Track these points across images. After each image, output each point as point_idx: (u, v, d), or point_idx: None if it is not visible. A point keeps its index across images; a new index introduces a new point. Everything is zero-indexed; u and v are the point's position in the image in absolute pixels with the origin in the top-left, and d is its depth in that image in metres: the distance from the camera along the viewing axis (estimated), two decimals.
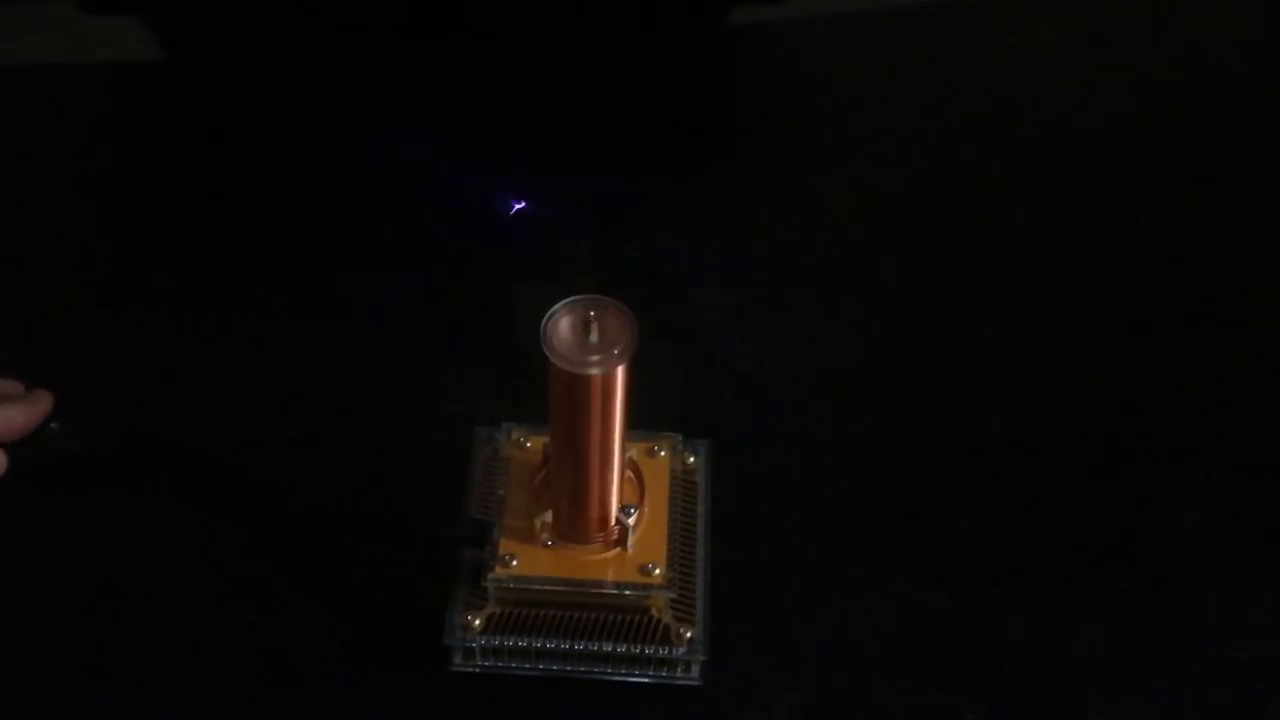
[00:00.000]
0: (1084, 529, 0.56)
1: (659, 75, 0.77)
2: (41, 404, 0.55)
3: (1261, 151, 0.74)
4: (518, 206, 0.53)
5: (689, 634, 0.50)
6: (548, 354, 0.45)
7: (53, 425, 0.56)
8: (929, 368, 0.62)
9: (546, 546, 0.51)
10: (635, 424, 0.50)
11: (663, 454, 0.54)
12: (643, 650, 0.50)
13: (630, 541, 0.51)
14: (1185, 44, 0.80)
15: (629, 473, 0.52)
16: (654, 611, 0.50)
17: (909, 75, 0.77)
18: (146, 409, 0.59)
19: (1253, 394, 0.62)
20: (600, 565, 0.50)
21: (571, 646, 0.50)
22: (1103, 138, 0.74)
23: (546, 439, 0.53)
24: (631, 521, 0.51)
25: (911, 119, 0.75)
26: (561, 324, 0.46)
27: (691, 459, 0.55)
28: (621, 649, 0.50)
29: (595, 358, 0.45)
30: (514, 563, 0.50)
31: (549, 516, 0.51)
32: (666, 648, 0.50)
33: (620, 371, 0.46)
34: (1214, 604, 0.54)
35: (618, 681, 0.51)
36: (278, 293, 0.65)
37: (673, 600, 0.50)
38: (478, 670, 0.51)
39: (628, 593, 0.50)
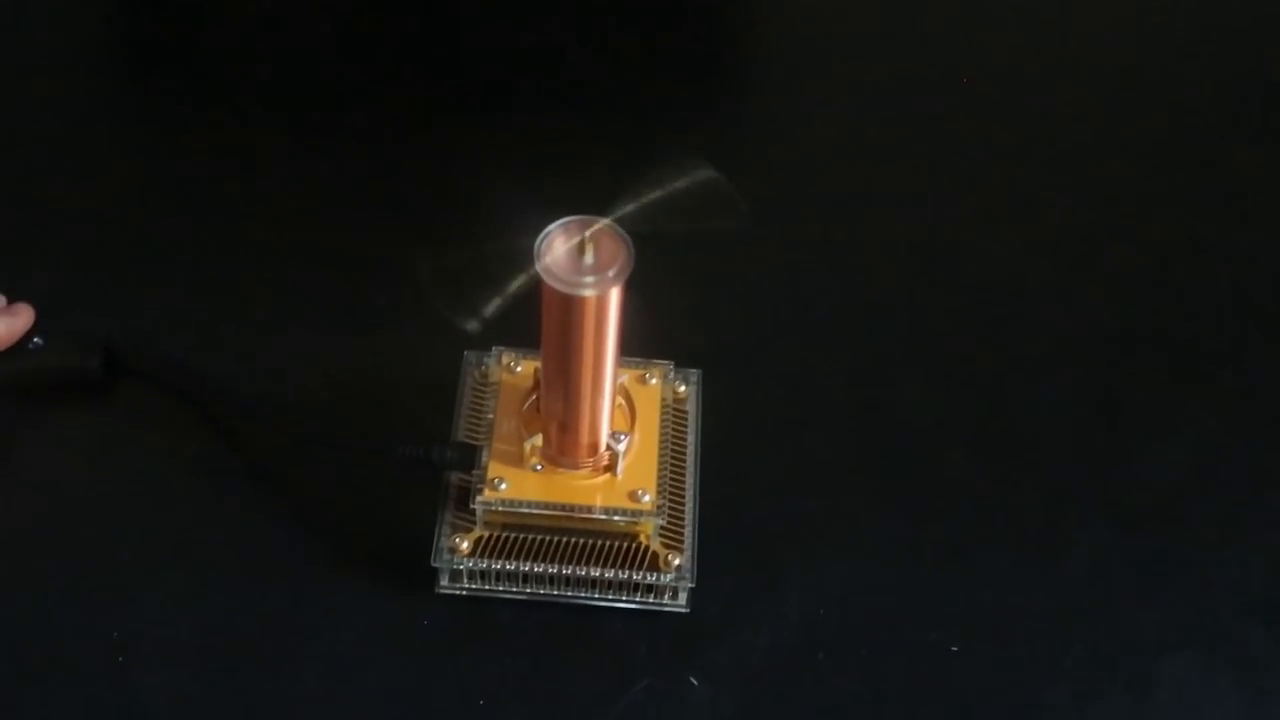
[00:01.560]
0: (1071, 471, 0.56)
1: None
2: (23, 317, 0.55)
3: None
4: None
5: (677, 561, 0.50)
6: (541, 274, 0.45)
7: (35, 340, 0.55)
8: (926, 309, 0.62)
9: (536, 471, 0.50)
10: (627, 351, 0.50)
11: (654, 381, 0.54)
12: (630, 576, 0.50)
13: (620, 468, 0.50)
14: None
15: (620, 399, 0.52)
16: (642, 538, 0.50)
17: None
18: (128, 327, 0.58)
19: (1240, 337, 0.62)
20: (590, 490, 0.50)
21: (559, 571, 0.50)
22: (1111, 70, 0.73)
23: (537, 363, 0.52)
24: (622, 448, 0.50)
25: (939, 50, 0.74)
26: (555, 244, 0.45)
27: (683, 388, 0.54)
28: (609, 574, 0.50)
29: (589, 279, 0.44)
30: (503, 486, 0.50)
31: (539, 440, 0.50)
32: (655, 574, 0.50)
33: (615, 294, 0.45)
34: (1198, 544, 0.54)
35: (604, 606, 0.51)
36: (264, 207, 0.64)
37: (661, 528, 0.50)
38: (464, 593, 0.51)
39: (617, 518, 0.50)
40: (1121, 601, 0.52)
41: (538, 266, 0.44)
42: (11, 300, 0.56)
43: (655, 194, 0.44)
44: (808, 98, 0.72)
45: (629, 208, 0.44)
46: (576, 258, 0.45)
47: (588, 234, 0.44)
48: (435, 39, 0.72)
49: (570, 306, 0.45)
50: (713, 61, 0.74)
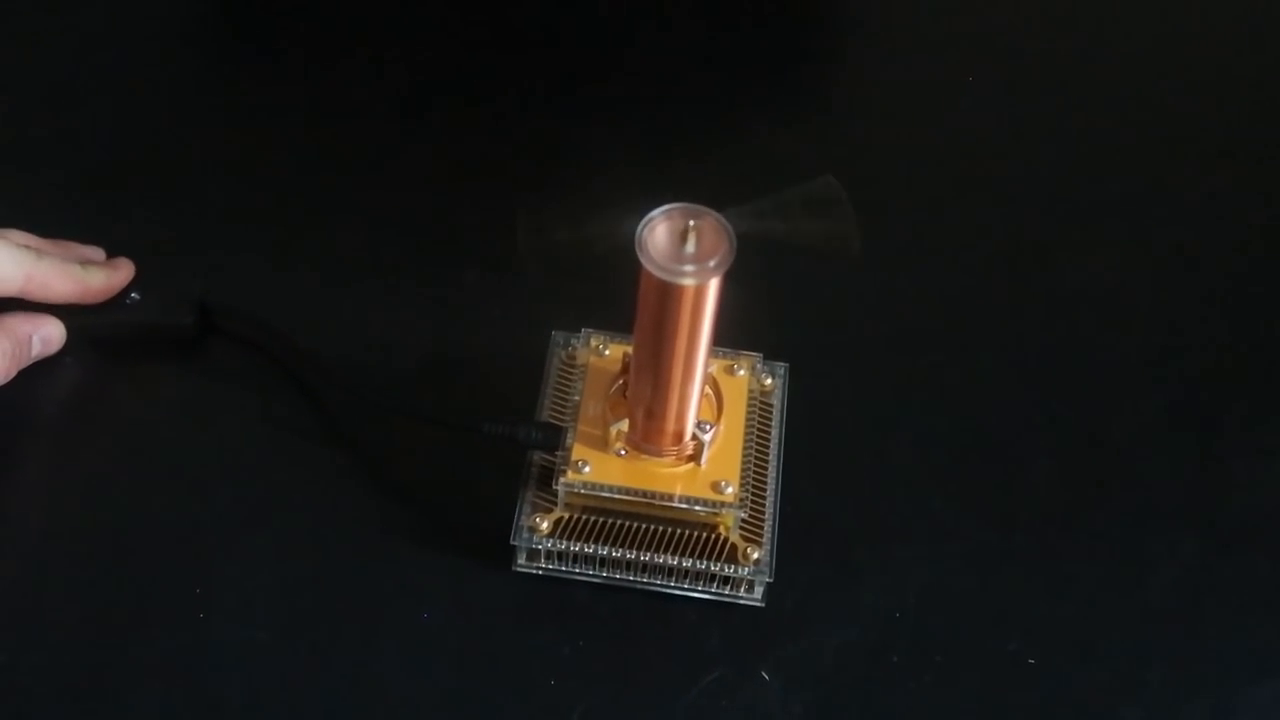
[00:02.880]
0: (1159, 486, 0.55)
1: None
2: (123, 271, 0.55)
3: None
4: None
5: (756, 555, 0.50)
6: (642, 260, 0.44)
7: (132, 295, 0.56)
8: (1021, 316, 0.61)
9: (620, 455, 0.50)
10: (717, 341, 0.50)
11: (742, 373, 0.53)
12: (708, 567, 0.50)
13: (704, 458, 0.50)
14: None
15: (707, 389, 0.51)
16: (722, 530, 0.50)
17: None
18: (223, 287, 0.58)
19: None
20: (672, 479, 0.50)
21: (637, 557, 0.50)
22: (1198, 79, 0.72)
23: (626, 347, 0.52)
24: (707, 438, 0.50)
25: (1043, 50, 0.73)
26: (658, 231, 0.45)
27: (769, 380, 0.54)
28: (687, 564, 0.50)
29: (690, 268, 0.44)
30: (586, 469, 0.50)
31: (625, 425, 0.50)
32: (733, 566, 0.50)
33: (714, 285, 0.45)
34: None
35: (680, 595, 0.51)
36: (363, 178, 0.65)
37: (742, 520, 0.50)
38: (540, 572, 0.51)
39: (698, 508, 0.50)
40: (1207, 625, 0.51)
41: (639, 252, 0.44)
42: (110, 255, 0.57)
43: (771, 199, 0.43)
44: (908, 94, 0.71)
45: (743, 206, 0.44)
46: (678, 246, 0.44)
47: (692, 223, 0.44)
48: (542, 22, 0.72)
49: (668, 294, 0.45)
50: (810, 53, 0.73)
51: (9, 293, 0.52)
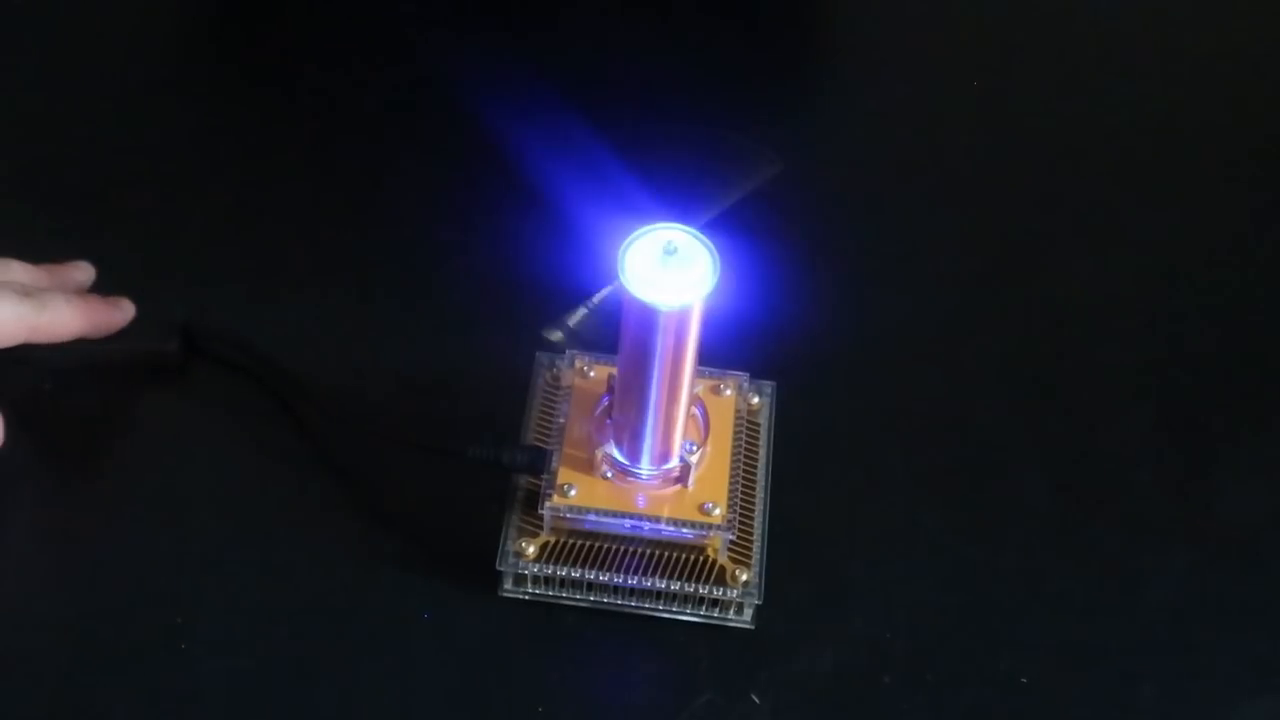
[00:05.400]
0: (1150, 500, 0.55)
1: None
2: (125, 310, 0.55)
3: None
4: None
5: (744, 576, 0.49)
6: (623, 282, 0.44)
7: None
8: (1007, 330, 0.61)
9: (606, 478, 0.50)
10: (702, 360, 0.49)
11: (728, 393, 0.53)
12: (697, 589, 0.49)
13: (691, 479, 0.50)
14: None
15: (693, 409, 0.51)
16: (710, 552, 0.50)
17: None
18: (205, 312, 0.58)
19: None
20: (659, 501, 0.50)
21: (624, 580, 0.49)
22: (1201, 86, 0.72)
23: (611, 369, 0.52)
24: (694, 459, 0.50)
25: (1028, 63, 0.73)
26: (639, 252, 0.44)
27: (756, 399, 0.54)
28: (675, 586, 0.49)
29: (673, 290, 0.44)
30: (572, 493, 0.49)
31: (610, 448, 0.50)
32: (721, 588, 0.49)
33: (697, 306, 0.45)
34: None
35: (668, 618, 0.50)
36: (344, 200, 0.64)
37: (730, 542, 0.50)
38: (527, 597, 0.50)
39: (686, 531, 0.49)
40: (1199, 640, 0.51)
41: (619, 274, 0.44)
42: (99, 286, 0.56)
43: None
44: (887, 108, 0.71)
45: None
46: (660, 267, 0.44)
47: (672, 243, 0.44)
48: (528, 51, 0.72)
49: (651, 317, 0.45)
50: (788, 65, 0.73)
51: (11, 345, 0.52)
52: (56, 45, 0.70)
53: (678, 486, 0.50)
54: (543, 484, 0.50)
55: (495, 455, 0.51)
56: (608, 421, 0.51)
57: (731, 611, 0.50)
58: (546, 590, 0.50)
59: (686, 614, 0.50)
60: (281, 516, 0.53)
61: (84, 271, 0.56)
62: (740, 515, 0.50)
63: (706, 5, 0.75)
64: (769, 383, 0.54)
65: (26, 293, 0.52)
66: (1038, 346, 0.60)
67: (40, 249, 0.56)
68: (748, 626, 0.50)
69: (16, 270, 0.53)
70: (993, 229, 0.65)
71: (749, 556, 0.50)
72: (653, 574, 0.49)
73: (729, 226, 0.46)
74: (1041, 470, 0.56)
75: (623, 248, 0.44)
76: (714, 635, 0.50)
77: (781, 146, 0.67)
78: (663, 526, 0.49)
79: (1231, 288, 0.63)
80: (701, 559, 0.50)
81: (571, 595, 0.50)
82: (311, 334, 0.58)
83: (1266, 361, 0.60)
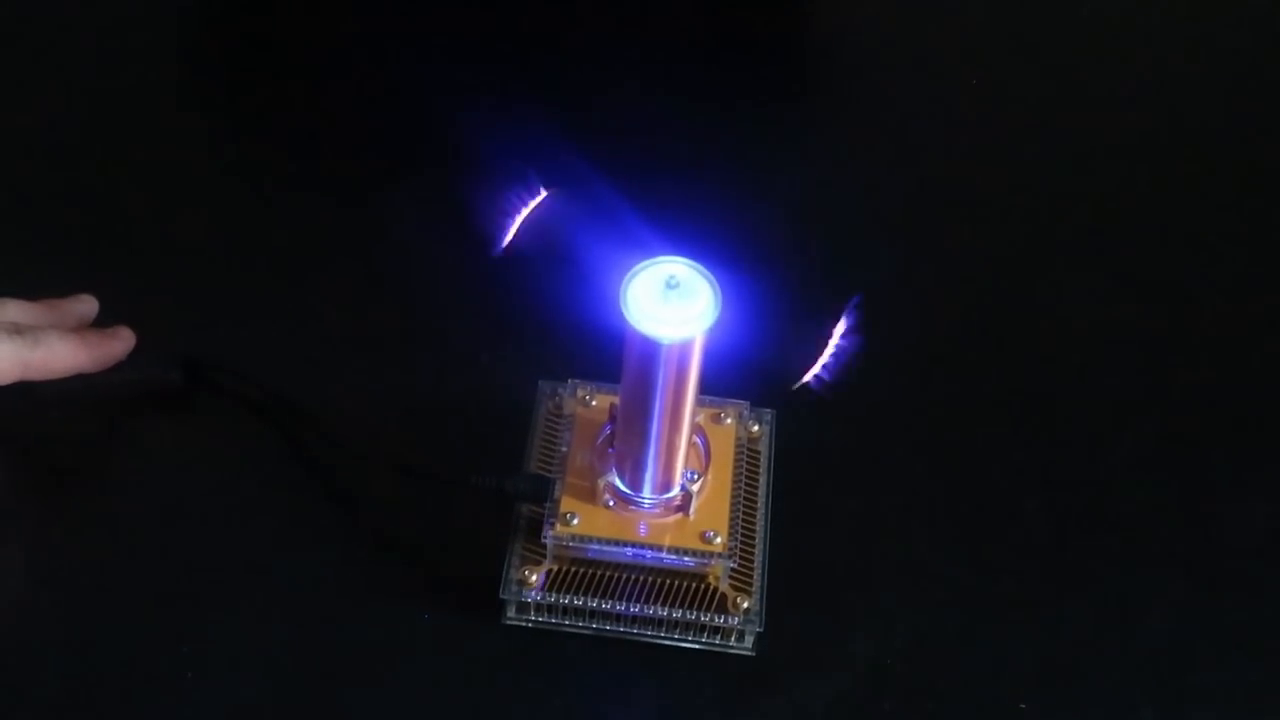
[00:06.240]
0: (1147, 527, 0.55)
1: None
2: (123, 340, 0.55)
3: None
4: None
5: (745, 604, 0.50)
6: (625, 315, 0.44)
7: None
8: (1005, 358, 0.61)
9: (608, 507, 0.50)
10: (702, 389, 0.50)
11: (729, 421, 0.53)
12: (698, 617, 0.49)
13: (692, 508, 0.50)
14: None
15: (694, 438, 0.51)
16: (711, 579, 0.50)
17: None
18: (207, 343, 0.58)
19: None
20: (661, 529, 0.50)
21: (626, 608, 0.50)
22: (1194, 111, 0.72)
23: (613, 398, 0.52)
24: (695, 487, 0.50)
25: (1017, 80, 0.73)
26: (641, 284, 0.45)
27: (756, 428, 0.54)
28: (677, 614, 0.49)
29: (674, 322, 0.44)
30: (575, 521, 0.50)
31: (612, 477, 0.50)
32: (722, 616, 0.49)
33: (698, 339, 0.45)
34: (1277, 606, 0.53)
35: (670, 646, 0.50)
36: (343, 232, 0.65)
37: (731, 569, 0.50)
38: (530, 625, 0.51)
39: (687, 559, 0.49)
40: (1198, 666, 0.51)
41: (621, 307, 0.44)
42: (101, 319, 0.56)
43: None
44: (883, 131, 0.71)
45: None
46: (661, 300, 0.44)
47: (674, 277, 0.44)
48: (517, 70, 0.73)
49: (652, 348, 0.45)
50: (783, 89, 0.73)
51: (6, 383, 0.52)
52: (54, 74, 0.71)
53: (679, 515, 0.50)
54: (545, 512, 0.50)
55: (498, 484, 0.51)
56: (610, 451, 0.51)
57: (733, 639, 0.50)
58: (549, 618, 0.51)
59: (688, 641, 0.50)
60: (284, 544, 0.53)
61: (86, 304, 0.56)
62: (741, 543, 0.50)
63: (703, 24, 0.76)
64: (769, 410, 0.55)
65: (18, 330, 0.52)
66: (1035, 376, 0.61)
67: (40, 282, 0.56)
68: (749, 653, 0.50)
69: (11, 309, 0.53)
70: (991, 259, 0.65)
71: (750, 584, 0.50)
72: (654, 602, 0.50)
73: (729, 258, 0.46)
74: (1040, 498, 0.56)
75: (625, 281, 0.45)
76: (715, 662, 0.50)
77: (783, 172, 0.68)
78: (664, 555, 0.49)
79: (1226, 315, 0.64)
80: (703, 587, 0.50)
81: (574, 623, 0.50)
82: (314, 363, 0.59)
83: (1265, 387, 0.61)
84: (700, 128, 0.70)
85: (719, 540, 0.50)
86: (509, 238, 0.47)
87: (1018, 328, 0.63)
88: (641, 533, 0.50)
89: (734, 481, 0.52)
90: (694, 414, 0.49)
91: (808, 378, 0.50)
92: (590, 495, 0.50)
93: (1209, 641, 0.52)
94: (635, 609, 0.50)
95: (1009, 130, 0.71)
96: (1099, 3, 0.78)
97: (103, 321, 0.56)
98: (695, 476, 0.50)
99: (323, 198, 0.66)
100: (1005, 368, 0.61)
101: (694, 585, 0.50)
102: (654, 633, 0.50)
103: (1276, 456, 0.58)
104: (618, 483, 0.50)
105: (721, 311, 0.44)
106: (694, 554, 0.50)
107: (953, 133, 0.71)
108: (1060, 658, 0.51)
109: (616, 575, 0.50)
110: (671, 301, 0.44)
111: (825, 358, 0.49)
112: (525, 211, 0.46)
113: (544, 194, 0.45)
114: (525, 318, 0.59)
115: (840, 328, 0.50)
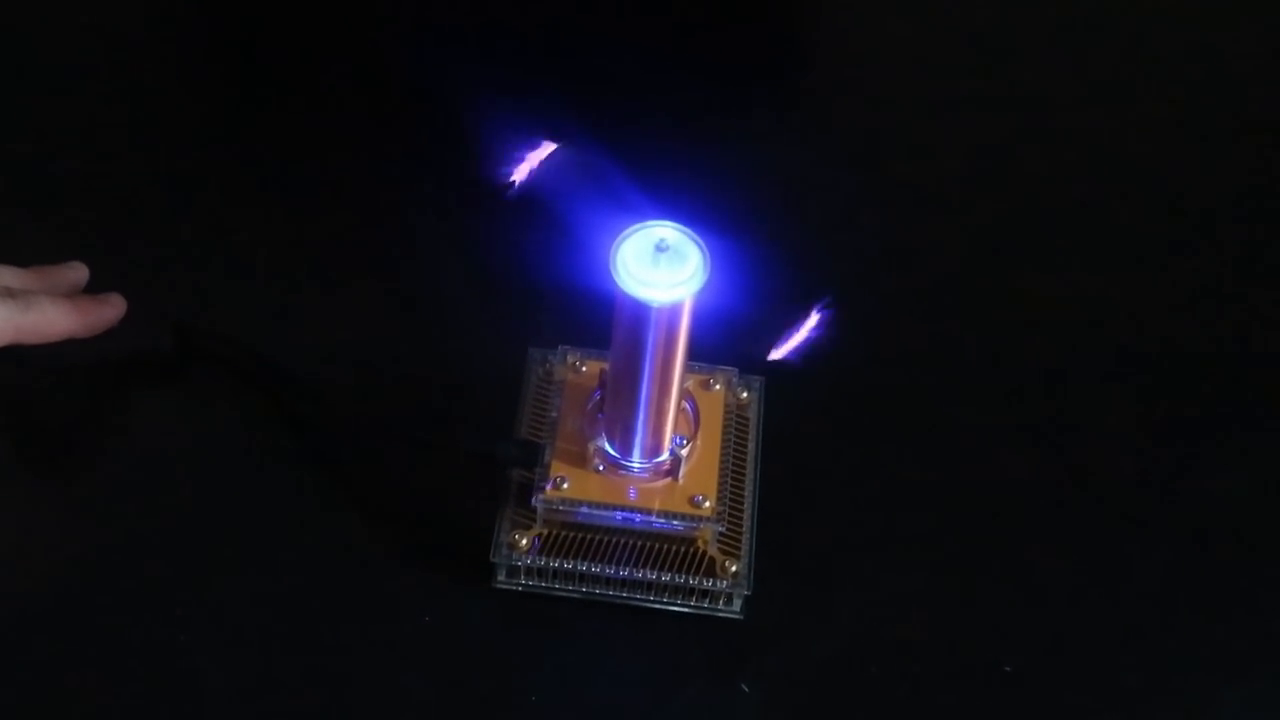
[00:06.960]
0: (1131, 490, 0.56)
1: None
2: (115, 306, 0.55)
3: None
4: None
5: (734, 568, 0.50)
6: (615, 278, 0.45)
7: None
8: (990, 326, 0.62)
9: (598, 471, 0.51)
10: (692, 355, 0.50)
11: (718, 387, 0.54)
12: (687, 581, 0.50)
13: (681, 473, 0.51)
14: None
15: (683, 403, 0.52)
16: (700, 543, 0.50)
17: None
18: (199, 310, 0.58)
19: None
20: (650, 494, 0.50)
21: (616, 572, 0.50)
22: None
23: (602, 364, 0.52)
24: (684, 452, 0.50)
25: (1007, 67, 0.73)
26: (631, 248, 0.45)
27: (745, 394, 0.54)
28: (665, 578, 0.50)
29: (664, 286, 0.44)
30: (565, 485, 0.50)
31: (602, 442, 0.50)
32: (711, 579, 0.50)
33: (687, 302, 0.45)
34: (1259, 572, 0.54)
35: (659, 609, 0.51)
36: (333, 201, 0.65)
37: (720, 534, 0.50)
38: (520, 589, 0.51)
39: (676, 523, 0.50)
40: (1183, 628, 0.52)
41: (611, 271, 0.44)
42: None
43: None
44: (878, 108, 0.71)
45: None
46: (651, 264, 0.45)
47: (664, 240, 0.44)
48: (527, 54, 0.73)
49: (641, 312, 0.45)
50: (779, 65, 0.73)
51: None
52: (48, 47, 0.70)
53: (668, 479, 0.51)
54: (535, 477, 0.51)
55: (489, 449, 0.51)
56: (599, 416, 0.51)
57: (721, 602, 0.51)
58: (539, 582, 0.51)
59: (677, 605, 0.51)
60: (275, 511, 0.53)
61: (77, 271, 0.56)
62: (729, 508, 0.51)
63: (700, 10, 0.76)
64: (758, 377, 0.55)
65: (10, 294, 0.52)
66: (1021, 342, 0.61)
67: (33, 249, 0.56)
68: (737, 617, 0.51)
69: (3, 274, 0.53)
70: (977, 229, 0.65)
71: (738, 548, 0.50)
72: (643, 565, 0.50)
73: (719, 223, 0.46)
74: (1026, 461, 0.56)
75: (615, 244, 0.45)
76: (704, 626, 0.51)
77: (775, 143, 0.68)
78: (653, 518, 0.50)
79: (1209, 281, 0.64)
80: (691, 551, 0.50)
81: (564, 587, 0.51)
82: (305, 331, 0.59)
83: (1249, 356, 0.61)
84: (692, 94, 0.70)
85: (708, 504, 0.50)
86: (519, 178, 0.47)
87: (1003, 297, 0.63)
88: (631, 497, 0.50)
89: (723, 447, 0.52)
90: (683, 379, 0.49)
91: (777, 355, 0.51)
92: (580, 460, 0.51)
93: (1192, 607, 0.53)
94: (624, 573, 0.50)
95: (1004, 109, 0.71)
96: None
97: (94, 289, 0.56)
98: (684, 441, 0.51)
99: (315, 167, 0.66)
100: (993, 334, 0.61)
101: (683, 549, 0.50)
102: (643, 596, 0.51)
103: (1259, 424, 0.59)
104: (607, 447, 0.51)
105: (710, 275, 0.45)
106: (683, 518, 0.50)
107: (949, 108, 0.71)
108: (1045, 620, 0.52)
109: (606, 539, 0.50)
110: (661, 265, 0.45)
111: (795, 342, 0.50)
112: (535, 158, 0.47)
113: (553, 146, 0.45)
114: (515, 284, 0.60)
115: (810, 321, 0.51)
